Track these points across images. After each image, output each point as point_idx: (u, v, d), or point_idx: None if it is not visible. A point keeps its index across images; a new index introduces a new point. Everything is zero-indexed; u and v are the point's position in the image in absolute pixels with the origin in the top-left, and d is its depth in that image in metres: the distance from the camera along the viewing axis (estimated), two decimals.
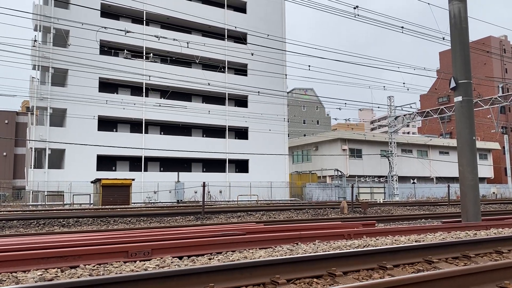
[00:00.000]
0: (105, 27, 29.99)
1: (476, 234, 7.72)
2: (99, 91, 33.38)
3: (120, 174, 32.10)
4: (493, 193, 44.61)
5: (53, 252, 4.80)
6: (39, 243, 5.47)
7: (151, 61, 34.05)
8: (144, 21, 35.78)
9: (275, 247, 6.08)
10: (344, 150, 43.09)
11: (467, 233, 7.85)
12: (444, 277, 3.89)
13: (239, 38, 39.02)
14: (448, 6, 10.84)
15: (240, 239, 6.08)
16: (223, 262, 4.94)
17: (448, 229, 8.29)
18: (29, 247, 5.21)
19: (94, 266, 4.74)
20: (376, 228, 8.19)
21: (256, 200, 31.92)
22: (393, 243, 6.33)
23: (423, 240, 6.62)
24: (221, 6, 40.05)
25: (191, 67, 37.85)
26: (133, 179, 26.96)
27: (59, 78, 33.41)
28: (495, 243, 5.97)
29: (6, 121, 50.60)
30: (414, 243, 5.63)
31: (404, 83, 30.06)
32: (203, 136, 38.82)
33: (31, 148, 30.77)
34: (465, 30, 10.61)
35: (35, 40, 31.47)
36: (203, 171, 38.45)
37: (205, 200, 13.74)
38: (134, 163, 35.33)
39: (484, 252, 5.71)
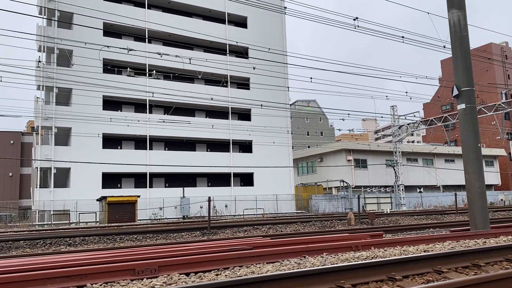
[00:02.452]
0: (108, 46, 30.32)
1: (485, 242, 7.63)
2: (103, 109, 33.60)
3: (126, 191, 32.10)
4: (501, 200, 44.20)
5: (59, 272, 4.78)
6: (46, 263, 5.45)
7: (154, 78, 34.30)
8: (146, 39, 36.14)
9: (283, 261, 6.03)
10: (349, 160, 42.96)
11: (476, 241, 7.76)
12: (454, 287, 3.84)
13: (241, 52, 39.31)
14: (448, 14, 10.90)
15: (247, 254, 6.04)
16: (231, 277, 4.90)
17: (457, 238, 8.20)
18: (36, 267, 5.20)
19: (101, 285, 4.72)
20: (384, 238, 8.12)
21: (262, 214, 31.78)
22: (401, 253, 6.26)
23: (432, 250, 6.55)
24: (222, 21, 40.44)
25: (193, 83, 38.08)
26: (139, 196, 26.95)
27: (63, 97, 33.70)
28: (505, 251, 5.90)
29: (12, 142, 50.90)
30: (423, 253, 5.57)
31: (406, 92, 30.07)
32: (207, 151, 38.87)
33: (37, 167, 30.90)
34: (465, 37, 10.65)
35: (39, 61, 31.84)
36: (208, 186, 38.41)
37: (210, 215, 13.69)
38: (139, 179, 35.35)
39: (494, 260, 5.63)
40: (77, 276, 4.82)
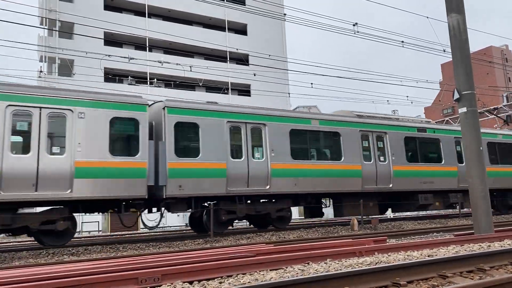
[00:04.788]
0: (108, 55, 30.47)
1: (490, 246, 7.59)
2: None
3: None
4: None
5: (63, 282, 4.77)
6: (49, 273, 5.44)
7: (155, 86, 34.40)
8: (147, 47, 36.31)
9: (286, 267, 6.01)
10: None
11: (480, 245, 7.73)
12: None
13: (241, 59, 39.45)
14: (447, 18, 10.93)
15: (250, 261, 6.02)
16: (234, 285, 4.89)
17: (461, 242, 8.16)
18: (39, 277, 5.19)
19: None
20: (387, 244, 8.08)
21: None
22: (405, 258, 6.24)
23: (436, 255, 6.52)
24: (222, 29, 40.64)
25: (195, 90, 38.19)
26: None
27: None
28: (510, 255, 5.87)
29: None
30: (427, 258, 5.55)
31: (407, 96, 30.11)
32: None
33: None
34: (465, 41, 10.67)
35: (41, 71, 32.00)
36: None
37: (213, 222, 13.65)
38: None
39: (499, 264, 5.60)
40: (81, 286, 4.81)
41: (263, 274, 5.50)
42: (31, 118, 10.94)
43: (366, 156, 16.40)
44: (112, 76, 34.64)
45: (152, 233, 19.70)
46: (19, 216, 11.05)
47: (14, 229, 11.23)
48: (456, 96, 10.60)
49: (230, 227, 17.46)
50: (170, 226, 31.02)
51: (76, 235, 25.44)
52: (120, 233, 21.88)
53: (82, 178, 11.21)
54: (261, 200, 14.80)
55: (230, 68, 38.79)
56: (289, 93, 40.05)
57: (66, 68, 33.07)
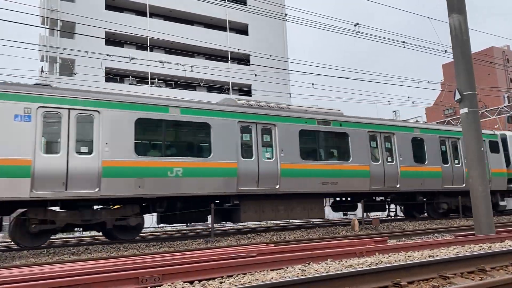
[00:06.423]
0: (110, 55, 30.48)
1: (490, 247, 7.59)
2: None
3: None
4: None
5: (63, 282, 4.77)
6: (50, 273, 5.45)
7: (156, 86, 34.39)
8: (148, 47, 36.33)
9: (287, 267, 6.01)
10: None
11: (481, 246, 7.72)
12: None
13: (242, 59, 39.46)
14: (448, 19, 10.92)
15: (251, 261, 6.02)
16: (235, 285, 4.89)
17: (462, 242, 8.16)
18: (40, 277, 5.19)
19: None
20: (388, 244, 8.08)
21: (266, 221, 31.68)
22: (406, 259, 6.23)
23: (437, 255, 6.52)
24: (223, 29, 40.65)
25: (195, 90, 38.20)
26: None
27: None
28: (511, 256, 5.86)
29: None
30: (428, 259, 5.54)
31: (408, 97, 30.12)
32: None
33: None
34: (466, 42, 10.66)
35: (42, 71, 32.02)
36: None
37: (214, 222, 13.66)
38: None
39: (500, 265, 5.60)
40: (82, 286, 4.81)
41: (263, 274, 5.50)
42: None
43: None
44: (113, 76, 34.66)
45: (153, 233, 19.71)
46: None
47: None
48: (458, 96, 10.59)
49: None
50: (171, 226, 31.01)
51: (76, 234, 25.46)
52: None
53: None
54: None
55: (231, 68, 38.80)
56: (290, 93, 40.05)
57: (67, 68, 33.10)
